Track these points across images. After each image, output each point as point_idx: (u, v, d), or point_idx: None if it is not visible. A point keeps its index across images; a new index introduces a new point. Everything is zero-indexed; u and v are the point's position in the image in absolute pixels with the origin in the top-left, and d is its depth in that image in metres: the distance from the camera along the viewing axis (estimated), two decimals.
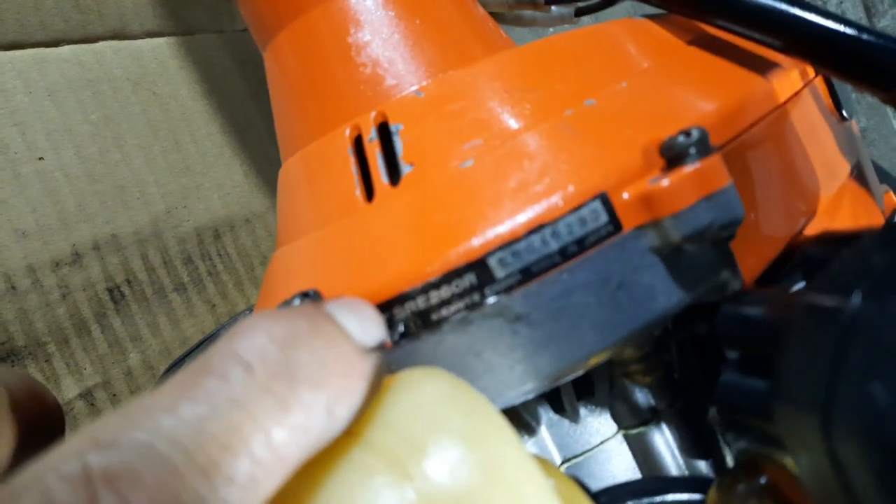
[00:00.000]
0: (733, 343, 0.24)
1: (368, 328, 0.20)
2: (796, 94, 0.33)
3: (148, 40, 0.50)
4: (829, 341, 0.18)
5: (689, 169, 0.23)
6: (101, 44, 0.48)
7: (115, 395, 0.45)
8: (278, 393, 0.17)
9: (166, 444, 0.15)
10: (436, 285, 0.24)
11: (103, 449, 0.14)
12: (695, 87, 0.29)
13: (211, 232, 0.50)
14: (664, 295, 0.25)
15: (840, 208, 0.35)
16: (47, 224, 0.43)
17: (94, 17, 0.47)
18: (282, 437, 0.16)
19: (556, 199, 0.24)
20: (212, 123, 0.52)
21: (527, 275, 0.24)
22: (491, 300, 0.24)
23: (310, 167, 0.30)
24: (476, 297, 0.24)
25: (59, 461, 0.14)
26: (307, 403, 0.17)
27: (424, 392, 0.21)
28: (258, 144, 0.52)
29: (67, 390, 0.43)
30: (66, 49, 0.46)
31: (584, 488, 0.26)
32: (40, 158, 0.44)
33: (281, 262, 0.31)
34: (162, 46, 0.51)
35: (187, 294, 0.47)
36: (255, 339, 0.17)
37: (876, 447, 0.16)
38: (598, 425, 0.33)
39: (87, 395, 0.43)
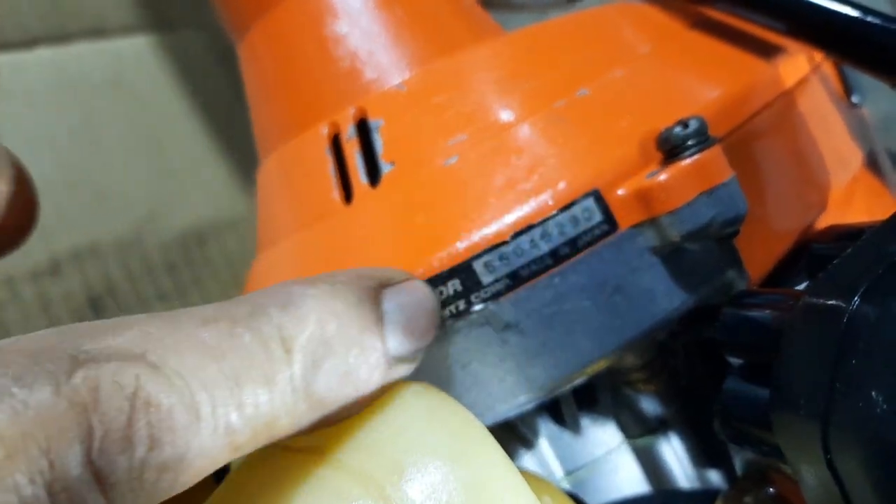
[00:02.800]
0: (735, 349, 0.23)
1: (409, 341, 0.20)
2: (803, 79, 0.31)
3: (128, 40, 0.49)
4: (827, 347, 0.17)
5: (687, 162, 0.22)
6: (79, 45, 0.47)
7: None
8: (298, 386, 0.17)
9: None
10: None
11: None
12: (695, 75, 0.28)
13: (195, 237, 0.48)
14: (665, 297, 0.24)
15: (853, 200, 0.33)
16: None
17: (72, 11, 0.46)
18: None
19: (545, 197, 0.23)
20: (195, 123, 0.51)
21: (515, 280, 0.23)
22: (477, 307, 0.23)
23: (286, 168, 0.29)
24: (461, 304, 0.23)
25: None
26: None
27: (405, 408, 0.20)
28: (243, 143, 0.51)
29: None
30: (43, 52, 0.45)
31: None
32: None
33: (259, 270, 0.30)
34: (142, 45, 0.50)
35: (171, 304, 0.46)
36: (306, 328, 0.17)
37: (874, 458, 0.16)
38: (602, 436, 0.31)
39: None
